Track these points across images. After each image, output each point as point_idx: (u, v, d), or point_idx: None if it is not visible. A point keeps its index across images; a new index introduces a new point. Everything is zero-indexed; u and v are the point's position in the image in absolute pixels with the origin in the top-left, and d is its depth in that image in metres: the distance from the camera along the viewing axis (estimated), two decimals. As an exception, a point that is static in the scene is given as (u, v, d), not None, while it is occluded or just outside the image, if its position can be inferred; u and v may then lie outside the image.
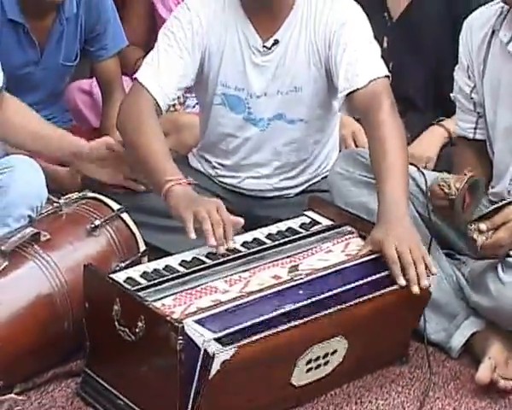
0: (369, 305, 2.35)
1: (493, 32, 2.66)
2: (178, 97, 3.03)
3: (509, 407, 2.45)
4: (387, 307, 2.40)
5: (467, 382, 2.52)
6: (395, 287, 2.36)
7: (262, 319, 2.19)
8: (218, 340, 2.10)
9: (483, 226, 2.42)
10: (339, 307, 2.29)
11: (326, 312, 2.27)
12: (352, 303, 2.31)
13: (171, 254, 2.53)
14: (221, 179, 3.01)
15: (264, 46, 2.82)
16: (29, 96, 3.19)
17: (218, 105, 2.89)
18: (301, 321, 2.22)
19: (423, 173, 2.63)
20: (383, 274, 2.39)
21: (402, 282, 2.32)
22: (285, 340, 2.22)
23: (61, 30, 3.24)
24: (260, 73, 2.84)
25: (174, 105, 3.24)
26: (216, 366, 2.08)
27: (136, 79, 2.77)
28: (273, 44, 2.81)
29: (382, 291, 2.36)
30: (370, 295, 2.35)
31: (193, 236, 2.41)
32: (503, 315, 2.50)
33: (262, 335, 2.16)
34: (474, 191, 2.53)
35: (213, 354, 2.07)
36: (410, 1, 3.29)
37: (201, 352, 2.08)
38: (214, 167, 3.01)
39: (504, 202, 2.48)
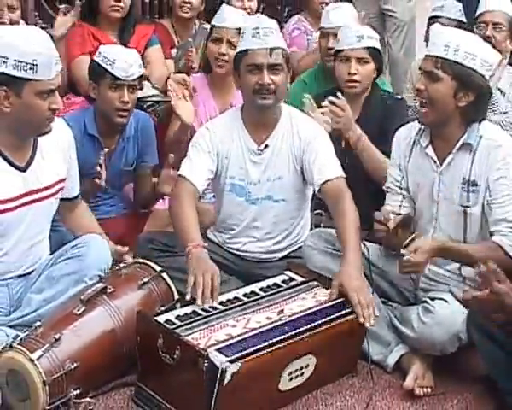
0: (328, 332, 2.45)
1: (414, 141, 2.74)
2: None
3: (425, 404, 2.54)
4: (341, 333, 2.49)
5: (398, 389, 2.60)
6: (346, 318, 2.47)
7: (258, 346, 2.30)
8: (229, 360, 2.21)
9: (404, 251, 2.49)
10: (308, 333, 2.40)
11: (300, 337, 2.38)
12: (316, 331, 2.42)
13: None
14: (229, 245, 3.04)
15: (258, 149, 2.94)
16: (99, 189, 3.29)
17: (228, 192, 2.98)
18: (283, 344, 2.34)
19: (366, 246, 2.73)
20: (341, 313, 2.50)
21: (361, 320, 2.46)
22: (274, 357, 2.32)
23: (123, 145, 3.33)
24: (256, 167, 2.95)
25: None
26: (228, 377, 2.18)
27: (179, 174, 2.87)
28: (264, 148, 2.94)
29: (337, 322, 2.47)
30: (329, 325, 2.45)
31: (188, 297, 2.49)
32: (422, 344, 2.61)
33: (258, 354, 2.27)
34: (405, 226, 2.58)
35: (226, 368, 2.18)
36: (358, 116, 3.29)
37: (219, 370, 2.19)
38: (225, 235, 3.04)
39: (414, 235, 2.55)
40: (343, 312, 2.51)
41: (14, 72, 2.37)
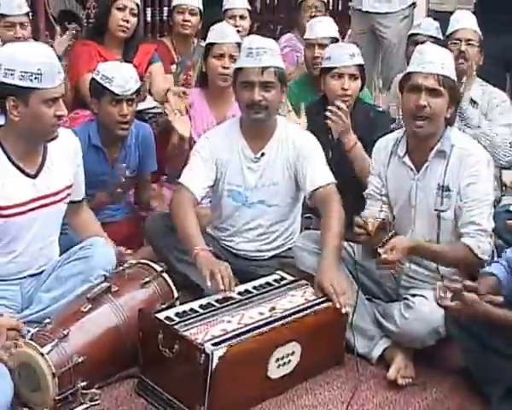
0: (309, 318, 2.51)
1: (391, 152, 2.80)
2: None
3: (407, 393, 2.57)
4: (321, 321, 2.53)
5: (382, 379, 2.63)
6: (324, 305, 2.53)
7: (246, 336, 2.34)
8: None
9: (380, 250, 2.53)
10: (290, 318, 2.46)
11: (282, 322, 2.45)
12: (298, 316, 2.48)
13: (198, 289, 2.67)
14: (225, 243, 3.08)
15: (255, 157, 2.99)
16: (103, 195, 3.32)
17: (226, 197, 3.02)
18: (267, 328, 2.40)
19: (352, 247, 2.78)
20: (321, 303, 2.56)
21: (338, 305, 2.52)
22: (259, 342, 2.39)
23: (125, 153, 3.34)
24: (253, 173, 3.00)
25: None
26: (215, 360, 2.22)
27: (179, 182, 2.92)
28: (261, 156, 2.99)
29: (317, 307, 2.53)
30: (307, 311, 2.51)
31: (209, 284, 2.58)
32: (404, 337, 2.65)
33: (243, 338, 2.32)
34: (382, 228, 2.60)
35: (212, 352, 2.22)
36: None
37: (209, 356, 2.23)
38: (221, 233, 3.09)
39: (391, 234, 2.59)
40: (323, 302, 2.57)
41: (21, 82, 2.42)
